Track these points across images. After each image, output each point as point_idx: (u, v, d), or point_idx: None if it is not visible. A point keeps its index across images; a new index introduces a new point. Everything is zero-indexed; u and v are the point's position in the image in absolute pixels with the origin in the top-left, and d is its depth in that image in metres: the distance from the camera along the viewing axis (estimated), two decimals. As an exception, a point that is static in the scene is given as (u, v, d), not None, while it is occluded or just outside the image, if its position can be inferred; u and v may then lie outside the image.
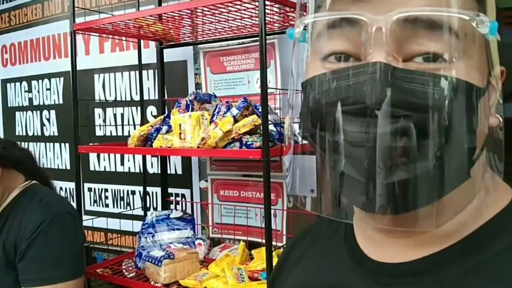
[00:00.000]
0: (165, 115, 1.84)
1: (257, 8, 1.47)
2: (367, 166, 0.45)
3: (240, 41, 1.95)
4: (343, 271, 0.58)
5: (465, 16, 0.44)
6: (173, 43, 2.09)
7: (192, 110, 1.79)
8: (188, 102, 1.81)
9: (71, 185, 2.54)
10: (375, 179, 0.45)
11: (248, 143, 1.54)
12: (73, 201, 2.27)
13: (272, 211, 1.84)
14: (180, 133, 1.68)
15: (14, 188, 1.56)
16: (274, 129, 1.56)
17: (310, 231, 0.71)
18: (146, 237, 1.91)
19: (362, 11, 0.45)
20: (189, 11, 1.63)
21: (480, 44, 0.47)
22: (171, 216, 1.94)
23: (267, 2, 1.43)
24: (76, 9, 1.85)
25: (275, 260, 1.59)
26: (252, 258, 1.76)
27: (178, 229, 1.91)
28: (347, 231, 0.61)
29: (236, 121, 1.59)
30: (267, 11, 1.53)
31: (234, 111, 1.61)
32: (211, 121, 1.65)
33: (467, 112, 0.45)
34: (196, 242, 1.88)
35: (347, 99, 0.45)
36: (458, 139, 0.44)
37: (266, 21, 1.66)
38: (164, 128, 1.77)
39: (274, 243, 1.79)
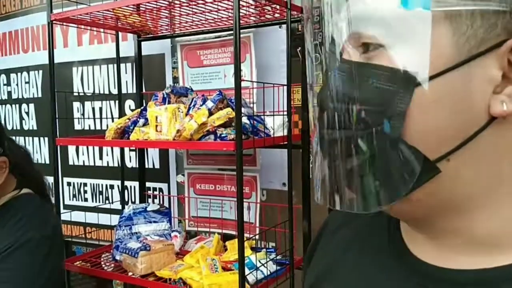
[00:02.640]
0: (142, 108, 1.85)
1: (232, 0, 1.48)
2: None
3: (217, 34, 1.96)
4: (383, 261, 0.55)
5: (367, 2, 0.44)
6: (151, 35, 2.09)
7: (169, 103, 1.79)
8: (165, 95, 1.81)
9: (50, 179, 2.53)
10: (325, 173, 0.48)
11: (223, 135, 1.55)
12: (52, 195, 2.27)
13: (246, 204, 1.86)
14: (156, 126, 1.68)
15: (4, 195, 1.44)
16: (247, 122, 1.57)
17: None
18: (123, 230, 1.91)
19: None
20: (166, 2, 1.63)
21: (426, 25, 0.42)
22: (148, 209, 1.95)
23: (241, -5, 1.44)
24: (53, -1, 1.84)
25: (247, 251, 1.60)
26: (226, 250, 1.77)
27: (155, 221, 1.92)
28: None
29: (211, 114, 1.60)
30: (242, 3, 1.55)
31: (209, 104, 1.62)
32: (187, 114, 1.66)
33: (389, 102, 0.43)
34: (172, 234, 1.89)
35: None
36: (382, 131, 0.43)
37: (242, 14, 1.68)
38: (141, 121, 1.77)
39: (247, 235, 1.81)
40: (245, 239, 1.46)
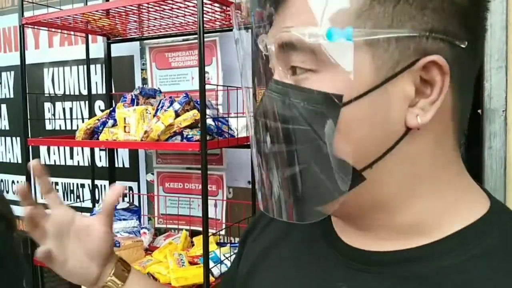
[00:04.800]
0: (111, 109, 1.90)
1: (196, 6, 1.54)
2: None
3: (185, 37, 2.03)
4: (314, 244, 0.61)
5: (295, 33, 0.48)
6: (120, 38, 2.14)
7: (137, 104, 1.85)
8: (134, 97, 1.87)
9: (23, 178, 2.57)
10: (264, 185, 0.55)
11: (189, 136, 1.62)
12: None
13: (213, 201, 1.94)
14: (125, 127, 1.74)
15: None
16: (212, 123, 1.64)
17: None
18: (93, 228, 1.96)
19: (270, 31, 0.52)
20: (135, 7, 1.69)
21: (348, 51, 0.46)
22: (118, 207, 2.00)
23: (205, 1, 1.50)
24: (24, 2, 1.88)
25: (211, 246, 1.68)
26: (194, 245, 1.85)
27: (124, 219, 1.97)
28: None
29: (178, 115, 1.66)
30: (207, 9, 1.61)
31: (176, 106, 1.69)
32: (154, 115, 1.72)
33: (315, 119, 0.48)
34: (141, 231, 1.95)
35: None
36: (307, 143, 0.49)
37: (208, 19, 1.75)
38: (110, 121, 1.82)
39: (214, 230, 1.88)
40: (210, 234, 1.54)
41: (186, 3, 1.60)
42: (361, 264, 0.54)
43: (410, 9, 0.46)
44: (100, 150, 2.29)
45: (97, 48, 2.23)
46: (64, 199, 2.47)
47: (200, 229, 1.98)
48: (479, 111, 1.63)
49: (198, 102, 1.73)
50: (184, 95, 1.71)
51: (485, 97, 1.38)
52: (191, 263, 1.70)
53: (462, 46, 0.47)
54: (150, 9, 1.70)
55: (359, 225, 0.56)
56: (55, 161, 2.51)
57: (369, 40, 0.46)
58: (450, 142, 0.52)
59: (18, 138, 2.67)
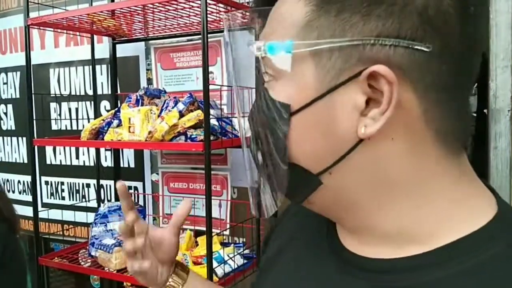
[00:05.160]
0: (116, 109, 1.90)
1: (201, 7, 1.54)
2: None
3: (190, 38, 2.03)
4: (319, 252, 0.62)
5: (251, 48, 0.51)
6: (126, 38, 2.15)
7: (142, 105, 1.85)
8: (138, 97, 1.88)
9: (28, 178, 2.58)
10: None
11: (193, 136, 1.62)
12: (29, 194, 2.32)
13: (218, 201, 1.94)
14: (129, 127, 1.75)
15: None
16: (216, 123, 1.64)
17: None
18: (98, 227, 1.97)
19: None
20: (140, 8, 1.69)
21: (302, 63, 0.48)
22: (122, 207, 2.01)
23: (209, 2, 1.50)
24: (30, 3, 1.89)
25: (215, 246, 1.68)
26: (198, 245, 1.85)
27: (129, 219, 1.98)
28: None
29: (182, 115, 1.67)
30: (212, 10, 1.62)
31: (180, 106, 1.69)
32: (159, 116, 1.72)
33: (270, 124, 0.51)
34: (146, 231, 1.96)
35: None
36: (267, 146, 0.52)
37: (213, 19, 1.75)
38: (115, 122, 1.83)
39: (218, 230, 1.88)
40: (214, 234, 1.54)
41: (190, 3, 1.60)
42: (356, 270, 0.54)
43: (353, 17, 0.45)
44: (106, 150, 2.30)
45: (103, 49, 2.24)
46: (70, 199, 2.49)
47: (204, 228, 1.99)
48: (485, 110, 1.62)
49: (202, 102, 1.74)
50: (188, 95, 1.71)
51: (491, 97, 1.37)
52: (195, 263, 1.70)
53: (425, 49, 0.44)
54: (155, 9, 1.71)
55: (346, 226, 0.57)
56: (61, 161, 2.52)
57: (313, 50, 0.47)
58: (432, 153, 0.49)
59: (24, 138, 2.68)
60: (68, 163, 2.50)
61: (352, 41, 0.45)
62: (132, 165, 2.28)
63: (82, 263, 1.96)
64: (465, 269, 0.47)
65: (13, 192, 2.73)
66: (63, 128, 2.49)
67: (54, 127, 2.50)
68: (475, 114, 2.05)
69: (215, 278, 1.54)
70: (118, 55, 2.18)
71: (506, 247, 0.47)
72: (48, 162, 2.57)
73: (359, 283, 0.53)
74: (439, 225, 0.50)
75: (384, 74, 0.44)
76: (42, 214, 2.13)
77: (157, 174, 2.18)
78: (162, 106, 1.78)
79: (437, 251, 0.49)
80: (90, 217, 2.21)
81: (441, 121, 0.48)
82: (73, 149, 2.47)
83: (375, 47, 0.44)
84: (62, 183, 2.53)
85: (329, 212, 0.57)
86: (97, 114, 2.25)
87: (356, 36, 0.45)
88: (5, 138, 2.80)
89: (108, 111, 2.22)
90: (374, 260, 0.53)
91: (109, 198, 2.33)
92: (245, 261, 1.71)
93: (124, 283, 2.04)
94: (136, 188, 2.26)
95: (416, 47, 0.44)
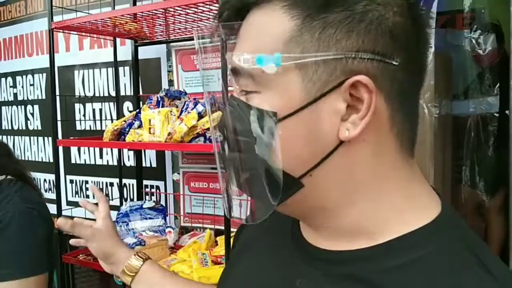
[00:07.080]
0: (137, 110, 1.94)
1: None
2: None
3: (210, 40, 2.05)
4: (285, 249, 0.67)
5: (235, 59, 0.54)
6: (147, 41, 2.19)
7: (163, 106, 1.89)
8: (159, 99, 1.91)
9: (53, 177, 2.64)
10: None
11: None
12: (54, 192, 2.37)
13: (238, 201, 1.96)
14: (150, 128, 1.78)
15: None
16: (235, 124, 1.66)
17: None
18: (120, 226, 2.01)
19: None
20: (162, 11, 1.72)
21: (286, 75, 0.52)
22: (144, 206, 2.05)
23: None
24: (54, 7, 1.94)
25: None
26: (218, 244, 1.87)
27: (150, 218, 2.02)
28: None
29: (201, 117, 1.69)
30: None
31: (200, 107, 1.72)
32: (178, 117, 1.75)
33: (260, 135, 0.54)
34: (167, 230, 1.99)
35: None
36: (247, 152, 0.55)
37: (231, 22, 1.77)
38: (136, 123, 1.86)
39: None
40: (232, 234, 1.56)
41: (210, 7, 1.62)
42: (314, 260, 0.60)
43: (335, 34, 0.50)
44: (128, 150, 2.34)
45: (125, 51, 2.28)
46: (94, 197, 2.54)
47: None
48: (507, 112, 1.60)
49: (222, 104, 1.76)
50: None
51: None
52: (215, 263, 1.72)
53: (394, 63, 0.51)
54: (175, 13, 1.73)
55: (312, 224, 0.61)
56: (85, 160, 2.58)
57: (299, 63, 0.51)
58: (392, 153, 0.55)
59: (50, 138, 2.75)
60: (92, 162, 2.56)
61: (336, 55, 0.50)
62: (154, 164, 2.32)
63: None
64: (409, 261, 0.52)
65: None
66: (87, 128, 2.54)
67: (78, 127, 2.56)
68: (497, 115, 2.03)
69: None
70: (140, 57, 2.22)
71: (449, 241, 0.53)
72: (73, 161, 2.63)
73: (314, 273, 0.59)
74: (389, 222, 0.55)
75: (366, 83, 0.50)
76: (66, 212, 2.18)
77: (178, 173, 2.21)
78: (182, 107, 1.81)
79: (385, 244, 0.54)
80: (113, 215, 2.24)
81: (401, 125, 0.54)
82: (97, 149, 2.52)
83: (355, 60, 0.50)
84: (86, 182, 2.58)
85: (298, 213, 0.61)
86: (119, 114, 2.30)
87: (340, 51, 0.50)
88: (32, 138, 2.87)
89: (130, 111, 2.26)
90: (329, 251, 0.58)
91: (131, 197, 2.38)
92: (263, 260, 1.73)
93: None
94: (158, 187, 2.30)
95: (387, 60, 0.50)
